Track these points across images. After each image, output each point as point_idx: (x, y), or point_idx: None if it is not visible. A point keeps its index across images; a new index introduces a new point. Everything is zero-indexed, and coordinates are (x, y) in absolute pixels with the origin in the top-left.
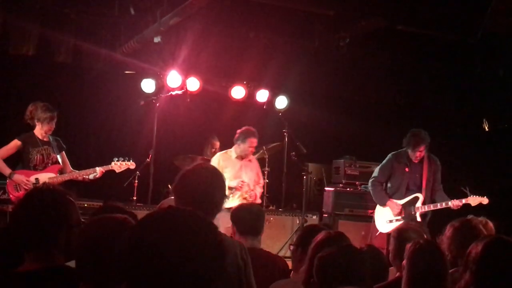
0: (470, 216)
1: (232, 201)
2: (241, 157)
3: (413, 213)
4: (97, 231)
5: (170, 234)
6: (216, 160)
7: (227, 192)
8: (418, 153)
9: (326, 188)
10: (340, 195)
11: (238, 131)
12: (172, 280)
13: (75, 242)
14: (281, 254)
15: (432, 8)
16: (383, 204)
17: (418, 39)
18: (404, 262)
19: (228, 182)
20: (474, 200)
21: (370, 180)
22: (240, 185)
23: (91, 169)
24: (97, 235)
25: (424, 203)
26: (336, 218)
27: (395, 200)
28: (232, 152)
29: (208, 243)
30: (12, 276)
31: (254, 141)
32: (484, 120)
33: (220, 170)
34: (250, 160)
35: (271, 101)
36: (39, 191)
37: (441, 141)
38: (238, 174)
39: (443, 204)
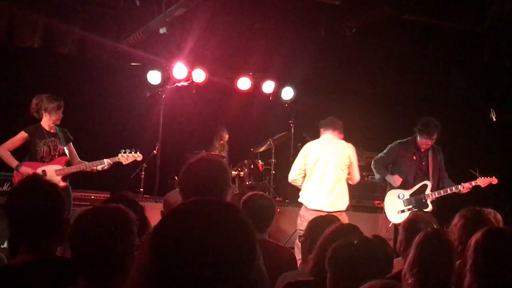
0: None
1: None
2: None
3: (423, 200)
4: (89, 222)
5: (206, 227)
6: None
7: None
8: (431, 141)
9: None
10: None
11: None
12: (205, 278)
13: (69, 234)
14: (287, 245)
15: None
16: (384, 176)
17: (425, 29)
18: (410, 251)
19: None
20: (483, 181)
21: (374, 159)
22: None
23: (99, 161)
24: (89, 226)
25: (432, 190)
26: None
27: (403, 191)
28: None
29: (245, 239)
30: (6, 268)
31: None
32: (491, 109)
33: None
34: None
35: (277, 92)
36: (30, 183)
37: (448, 131)
38: None
39: (453, 188)
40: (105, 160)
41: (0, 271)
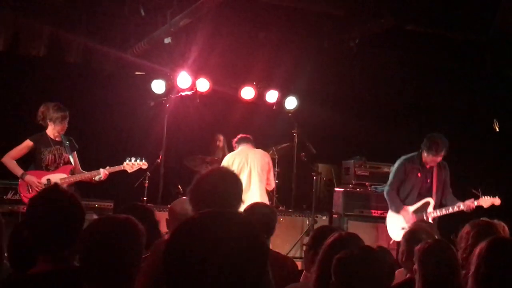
0: (484, 218)
1: None
2: None
3: (425, 218)
4: (100, 231)
5: (218, 238)
6: None
7: None
8: (439, 158)
9: (336, 189)
10: (350, 196)
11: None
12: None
13: (79, 242)
14: (290, 254)
15: (442, 7)
16: (398, 212)
17: (428, 39)
18: (416, 265)
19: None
20: (486, 202)
21: (385, 189)
22: None
23: (95, 171)
24: (100, 235)
25: (434, 208)
26: (346, 219)
27: (408, 207)
28: None
29: (255, 248)
30: (26, 277)
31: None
32: (494, 120)
33: None
34: None
35: (280, 102)
36: (51, 193)
37: (451, 142)
38: None
39: (455, 207)
40: (101, 170)
41: (21, 280)
